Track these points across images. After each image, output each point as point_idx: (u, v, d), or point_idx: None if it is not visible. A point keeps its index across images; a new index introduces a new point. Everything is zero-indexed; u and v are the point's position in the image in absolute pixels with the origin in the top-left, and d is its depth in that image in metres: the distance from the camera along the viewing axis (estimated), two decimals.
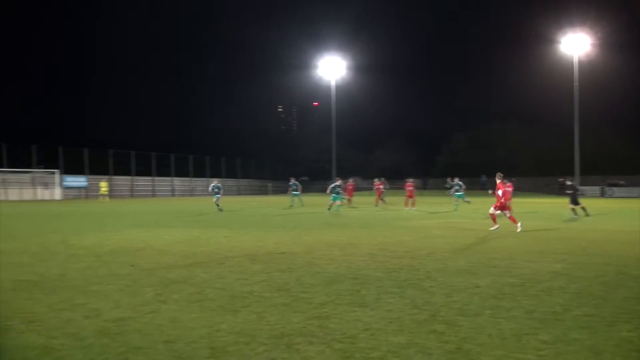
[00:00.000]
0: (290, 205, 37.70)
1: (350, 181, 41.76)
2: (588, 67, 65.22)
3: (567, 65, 65.05)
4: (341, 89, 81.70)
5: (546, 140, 79.53)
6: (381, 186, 37.85)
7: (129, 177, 74.13)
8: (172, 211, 33.23)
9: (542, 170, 74.83)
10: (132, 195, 73.69)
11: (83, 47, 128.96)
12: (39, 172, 63.64)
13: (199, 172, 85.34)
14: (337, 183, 31.32)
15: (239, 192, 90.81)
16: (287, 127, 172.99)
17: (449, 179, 37.37)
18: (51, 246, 14.43)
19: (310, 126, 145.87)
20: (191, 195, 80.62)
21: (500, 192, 18.70)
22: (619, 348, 5.75)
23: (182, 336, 6.12)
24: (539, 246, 14.18)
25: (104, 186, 58.62)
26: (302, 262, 11.55)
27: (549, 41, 66.98)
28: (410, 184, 34.05)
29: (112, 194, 66.45)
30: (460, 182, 33.97)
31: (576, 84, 62.59)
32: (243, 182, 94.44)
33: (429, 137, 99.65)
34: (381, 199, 38.17)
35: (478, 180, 76.32)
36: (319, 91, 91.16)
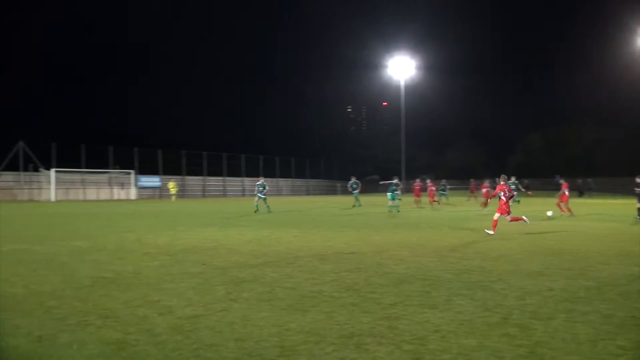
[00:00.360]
0: (353, 205, 37.56)
1: (417, 181, 41.45)
2: None
3: None
4: (410, 88, 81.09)
5: (625, 139, 76.44)
6: (431, 187, 37.57)
7: (200, 177, 75.74)
8: (242, 211, 33.68)
9: (619, 171, 71.95)
10: (203, 195, 75.28)
11: (156, 50, 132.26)
12: (115, 173, 65.82)
13: (269, 173, 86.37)
14: (394, 181, 31.04)
15: (307, 192, 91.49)
16: (357, 127, 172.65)
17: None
18: (127, 245, 14.87)
19: (380, 126, 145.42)
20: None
21: (502, 195, 17.89)
22: None
23: (252, 334, 6.18)
24: (615, 248, 13.67)
25: (172, 186, 59.68)
26: (371, 262, 11.50)
27: (626, 38, 64.45)
28: (417, 184, 34.56)
29: (185, 193, 68.14)
30: (516, 182, 32.67)
31: None
32: (312, 182, 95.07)
33: (500, 137, 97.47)
34: (435, 200, 38.08)
35: (552, 180, 74.16)
36: (388, 91, 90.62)
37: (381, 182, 37.77)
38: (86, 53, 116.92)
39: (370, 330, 6.35)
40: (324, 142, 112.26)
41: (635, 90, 71.97)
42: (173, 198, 59.11)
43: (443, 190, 42.92)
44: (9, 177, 59.50)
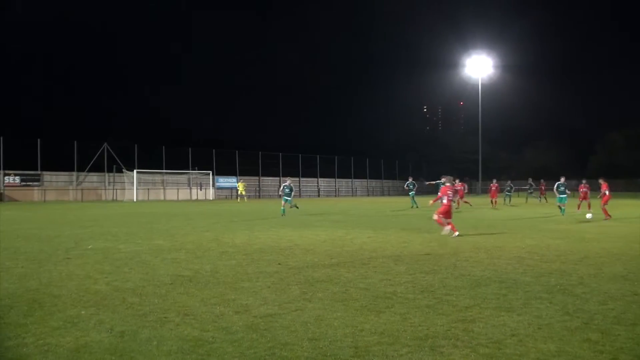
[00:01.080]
0: (411, 207, 37.23)
1: (458, 182, 40.13)
2: None
3: None
4: (488, 87, 79.55)
5: None
6: (459, 187, 36.59)
7: (277, 178, 76.69)
8: (317, 211, 33.87)
9: None
10: (279, 196, 76.13)
11: (237, 62, 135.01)
12: (194, 174, 67.39)
13: (343, 173, 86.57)
14: (442, 181, 29.87)
15: (382, 193, 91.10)
16: (432, 127, 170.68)
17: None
18: (204, 244, 15.20)
19: (456, 126, 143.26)
20: (335, 195, 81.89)
21: (444, 200, 17.66)
22: None
23: (326, 334, 6.21)
24: None
25: (241, 187, 60.18)
26: (447, 264, 11.36)
27: None
28: (494, 184, 36.75)
29: (261, 194, 69.07)
30: (565, 183, 30.85)
31: None
32: (387, 182, 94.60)
33: (581, 136, 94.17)
34: (465, 201, 37.69)
35: (636, 181, 71.11)
36: (465, 90, 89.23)
37: (427, 183, 37.65)
38: (166, 58, 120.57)
39: (445, 332, 6.27)
40: (399, 142, 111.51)
41: None
42: (245, 199, 59.61)
43: (509, 191, 44.49)
44: (94, 177, 61.98)
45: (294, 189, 32.22)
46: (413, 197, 38.85)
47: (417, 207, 36.93)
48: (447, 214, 17.43)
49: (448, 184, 18.19)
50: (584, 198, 30.73)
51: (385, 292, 8.45)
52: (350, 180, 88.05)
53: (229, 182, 69.80)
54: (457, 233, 16.77)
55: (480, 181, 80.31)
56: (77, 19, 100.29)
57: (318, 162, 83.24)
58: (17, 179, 55.85)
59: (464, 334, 6.19)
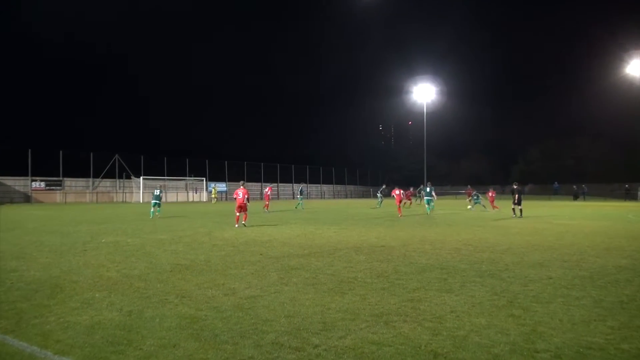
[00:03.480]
0: (375, 207, 37.87)
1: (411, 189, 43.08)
2: None
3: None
4: (432, 109, 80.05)
5: (614, 150, 74.06)
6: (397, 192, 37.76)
7: (259, 184, 76.35)
8: (292, 211, 33.80)
9: (609, 178, 69.58)
10: (261, 198, 75.81)
11: (224, 85, 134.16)
12: (191, 180, 67.00)
13: (314, 180, 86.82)
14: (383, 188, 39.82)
15: (346, 196, 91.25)
16: (386, 141, 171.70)
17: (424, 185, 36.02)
18: (199, 238, 15.07)
19: (406, 141, 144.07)
20: (307, 198, 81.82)
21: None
22: None
23: (299, 312, 6.20)
24: (605, 243, 13.26)
25: (214, 191, 62.55)
26: (398, 254, 11.41)
27: (609, 64, 62.94)
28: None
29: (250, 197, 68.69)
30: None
31: None
32: (350, 187, 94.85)
33: (505, 149, 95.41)
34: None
35: (551, 187, 72.50)
36: (413, 111, 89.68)
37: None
38: (176, 88, 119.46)
39: (397, 310, 6.30)
40: (360, 154, 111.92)
41: (619, 107, 70.59)
42: (213, 200, 60.76)
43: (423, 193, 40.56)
44: (107, 183, 61.10)
45: (304, 191, 37.20)
46: (380, 200, 39.83)
47: (379, 207, 37.51)
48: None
49: (396, 188, 21.09)
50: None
51: (348, 277, 8.46)
52: (320, 185, 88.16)
53: (220, 187, 69.31)
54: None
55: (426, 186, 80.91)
56: (85, 38, 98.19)
57: (293, 170, 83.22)
58: (42, 184, 54.79)
59: (412, 311, 6.23)
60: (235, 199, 19.56)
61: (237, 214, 19.27)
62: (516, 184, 27.23)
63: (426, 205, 29.34)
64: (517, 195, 25.49)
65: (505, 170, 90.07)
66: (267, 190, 34.27)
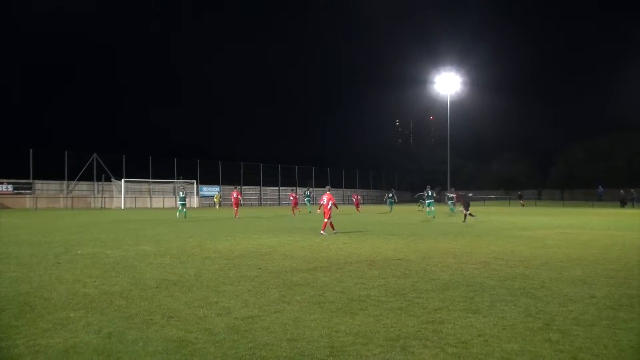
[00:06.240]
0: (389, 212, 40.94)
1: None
2: None
3: None
4: (456, 103, 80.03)
5: None
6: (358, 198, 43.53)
7: (257, 187, 76.51)
8: (295, 219, 33.81)
9: None
10: (260, 204, 75.91)
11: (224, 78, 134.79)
12: (179, 183, 67.04)
13: (321, 183, 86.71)
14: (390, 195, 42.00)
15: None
16: (404, 139, 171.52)
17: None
18: (188, 249, 15.11)
19: (426, 139, 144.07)
20: (312, 204, 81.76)
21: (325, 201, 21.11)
22: None
23: (304, 335, 6.20)
24: None
25: (217, 196, 63.40)
26: (418, 268, 11.40)
27: None
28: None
29: (243, 203, 68.83)
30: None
31: None
32: (361, 192, 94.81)
33: (543, 149, 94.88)
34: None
35: (595, 191, 72.08)
36: (435, 105, 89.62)
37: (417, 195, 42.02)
38: (153, 72, 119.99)
39: (415, 333, 6.28)
40: (373, 154, 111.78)
41: None
42: (217, 206, 61.16)
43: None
44: (83, 186, 61.37)
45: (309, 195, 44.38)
46: (392, 205, 41.79)
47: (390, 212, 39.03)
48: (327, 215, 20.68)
49: (328, 192, 21.53)
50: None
51: (360, 295, 8.46)
52: (327, 189, 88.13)
53: (213, 191, 69.47)
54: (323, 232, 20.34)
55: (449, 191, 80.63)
56: (71, 29, 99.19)
57: (296, 172, 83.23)
58: (10, 187, 55.10)
59: (433, 335, 6.21)
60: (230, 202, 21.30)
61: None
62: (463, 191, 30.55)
63: (427, 209, 30.40)
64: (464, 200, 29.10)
65: (543, 173, 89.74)
66: (290, 195, 43.00)
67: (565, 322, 6.78)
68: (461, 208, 28.59)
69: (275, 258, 13.16)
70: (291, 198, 42.19)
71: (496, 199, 77.40)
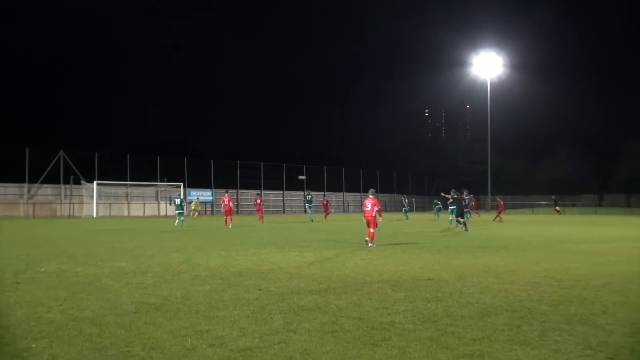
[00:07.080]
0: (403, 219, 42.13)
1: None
2: None
3: None
4: (498, 89, 79.88)
5: None
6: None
7: (257, 191, 76.66)
8: (304, 229, 33.83)
9: None
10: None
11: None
12: (163, 186, 67.11)
13: (335, 186, 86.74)
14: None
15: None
16: (435, 133, 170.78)
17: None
18: (174, 266, 15.13)
19: (462, 132, 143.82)
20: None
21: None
22: None
23: None
24: None
25: (194, 204, 62.20)
26: (452, 290, 11.36)
27: None
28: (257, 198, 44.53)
29: (239, 209, 68.97)
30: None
31: None
32: (383, 197, 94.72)
33: (605, 146, 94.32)
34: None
35: None
36: (473, 92, 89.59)
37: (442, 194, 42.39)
38: (136, 59, 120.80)
39: None
40: (397, 151, 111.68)
41: None
42: (195, 214, 60.84)
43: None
44: (48, 190, 61.64)
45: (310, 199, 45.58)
46: (406, 212, 43.79)
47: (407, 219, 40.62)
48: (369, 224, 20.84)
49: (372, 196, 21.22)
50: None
51: (382, 323, 8.43)
52: (342, 193, 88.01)
53: (203, 196, 69.53)
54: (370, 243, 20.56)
55: (489, 195, 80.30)
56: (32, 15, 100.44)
57: (305, 173, 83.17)
58: None
59: None
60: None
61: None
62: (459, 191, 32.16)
63: (450, 217, 30.95)
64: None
65: (605, 175, 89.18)
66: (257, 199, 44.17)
67: (633, 356, 6.75)
68: (469, 215, 29.34)
69: (279, 277, 13.16)
70: (257, 202, 43.65)
71: (547, 205, 76.95)
